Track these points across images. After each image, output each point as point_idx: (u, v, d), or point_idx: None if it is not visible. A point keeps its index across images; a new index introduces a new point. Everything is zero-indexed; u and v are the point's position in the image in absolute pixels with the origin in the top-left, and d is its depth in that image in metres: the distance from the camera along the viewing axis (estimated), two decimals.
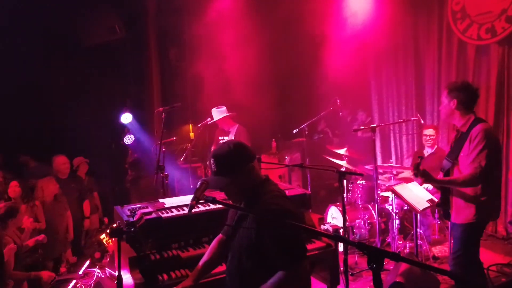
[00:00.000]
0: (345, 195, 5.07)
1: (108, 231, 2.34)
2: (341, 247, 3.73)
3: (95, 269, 4.86)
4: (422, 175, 3.00)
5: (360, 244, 1.27)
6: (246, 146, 2.03)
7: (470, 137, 2.99)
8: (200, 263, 2.21)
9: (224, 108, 5.21)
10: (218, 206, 2.90)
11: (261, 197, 1.95)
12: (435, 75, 5.94)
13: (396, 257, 1.22)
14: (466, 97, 3.07)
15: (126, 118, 6.07)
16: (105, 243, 5.52)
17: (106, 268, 4.72)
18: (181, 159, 5.75)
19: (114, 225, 2.36)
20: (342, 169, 3.44)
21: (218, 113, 5.16)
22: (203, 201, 1.82)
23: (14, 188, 4.74)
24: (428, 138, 5.03)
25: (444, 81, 5.82)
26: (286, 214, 1.85)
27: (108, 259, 5.00)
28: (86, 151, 6.25)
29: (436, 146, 5.07)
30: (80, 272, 4.78)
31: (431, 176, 3.04)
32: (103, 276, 4.41)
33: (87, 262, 5.02)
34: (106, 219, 6.18)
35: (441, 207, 3.29)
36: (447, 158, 3.17)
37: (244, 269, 1.96)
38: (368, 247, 1.24)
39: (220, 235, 2.29)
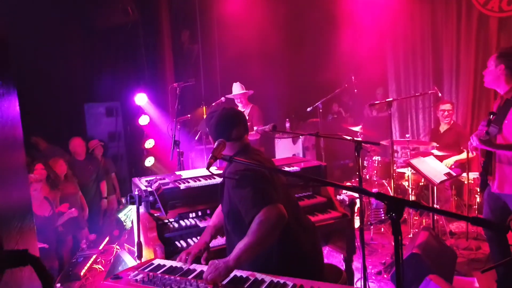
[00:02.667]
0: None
1: (127, 199, 2.37)
2: (357, 222, 3.73)
3: (114, 245, 4.98)
4: (481, 141, 2.90)
5: (379, 194, 1.26)
6: (232, 117, 2.15)
7: None
8: (209, 226, 2.30)
9: (242, 86, 5.24)
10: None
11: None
12: (454, 50, 5.80)
13: (416, 205, 1.22)
14: None
15: (141, 99, 6.11)
16: (123, 221, 5.65)
17: (125, 244, 4.84)
18: (196, 138, 5.79)
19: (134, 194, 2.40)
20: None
21: (238, 88, 5.18)
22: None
23: (40, 171, 4.85)
24: (446, 113, 4.95)
25: (463, 56, 5.69)
26: (245, 171, 1.94)
27: (126, 236, 5.11)
28: (102, 133, 6.35)
29: (452, 122, 4.99)
30: (100, 248, 4.91)
31: (489, 141, 2.93)
32: (122, 251, 4.51)
33: (106, 239, 5.16)
34: (123, 199, 6.29)
35: (483, 176, 3.13)
36: (493, 125, 3.04)
37: (227, 231, 2.12)
38: (387, 196, 1.23)
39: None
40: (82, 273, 4.21)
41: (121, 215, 5.72)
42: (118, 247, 4.87)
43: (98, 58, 6.58)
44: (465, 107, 5.68)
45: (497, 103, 3.13)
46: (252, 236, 1.81)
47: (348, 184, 5.07)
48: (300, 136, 6.80)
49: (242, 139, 2.17)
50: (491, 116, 2.95)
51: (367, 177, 5.09)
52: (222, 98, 5.45)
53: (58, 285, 3.88)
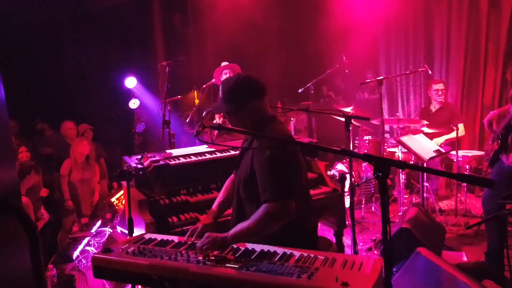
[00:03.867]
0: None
1: (117, 174, 2.36)
2: (347, 202, 3.77)
3: (106, 228, 4.99)
4: None
5: (366, 155, 1.27)
6: (256, 81, 2.03)
7: None
8: (216, 202, 2.28)
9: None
10: (226, 153, 2.94)
11: (263, 132, 1.99)
12: (445, 29, 5.81)
13: (402, 165, 1.23)
14: None
15: (131, 82, 6.05)
16: (115, 205, 5.64)
17: (117, 227, 4.84)
18: (187, 121, 5.76)
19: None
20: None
21: (226, 63, 5.12)
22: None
23: (23, 154, 4.84)
24: (440, 92, 4.97)
25: (454, 35, 5.71)
26: (277, 149, 1.88)
27: (119, 219, 5.12)
28: (92, 117, 6.28)
29: (443, 101, 5.02)
30: (93, 231, 4.91)
31: None
32: (115, 232, 4.52)
33: (99, 223, 5.16)
34: (115, 184, 6.28)
35: (501, 149, 3.07)
36: None
37: (240, 200, 2.08)
38: (374, 157, 1.24)
39: (233, 174, 2.34)
40: (74, 255, 4.22)
41: (113, 199, 5.71)
42: (110, 229, 4.88)
43: (89, 41, 6.49)
44: (456, 85, 5.72)
45: None
46: (255, 224, 1.85)
47: (340, 164, 5.11)
48: (292, 119, 6.82)
49: (264, 104, 2.06)
50: None
51: None
52: (213, 80, 5.40)
53: (51, 266, 3.88)
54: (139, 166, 2.57)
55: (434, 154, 3.80)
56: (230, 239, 1.85)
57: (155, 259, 1.82)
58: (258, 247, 1.88)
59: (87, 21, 6.40)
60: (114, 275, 1.94)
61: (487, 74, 5.45)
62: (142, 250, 1.92)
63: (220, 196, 2.32)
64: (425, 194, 4.33)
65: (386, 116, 6.69)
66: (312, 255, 1.76)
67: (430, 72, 4.74)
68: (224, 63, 5.32)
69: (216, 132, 5.52)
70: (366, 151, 5.01)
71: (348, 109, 5.19)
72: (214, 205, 2.27)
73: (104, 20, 6.54)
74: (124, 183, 2.37)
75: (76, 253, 4.28)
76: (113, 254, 1.92)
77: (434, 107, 5.08)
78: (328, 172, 2.95)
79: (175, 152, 3.01)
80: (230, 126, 2.05)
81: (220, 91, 2.04)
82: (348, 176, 2.87)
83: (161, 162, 2.72)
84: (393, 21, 6.64)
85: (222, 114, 5.12)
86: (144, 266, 1.79)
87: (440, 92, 4.94)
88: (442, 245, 3.51)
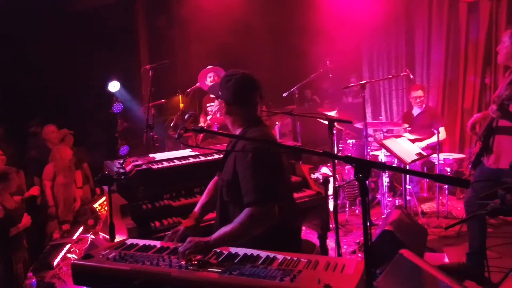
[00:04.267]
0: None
1: (98, 179, 2.32)
2: (331, 205, 3.79)
3: (88, 234, 4.90)
4: (502, 110, 2.81)
5: (347, 157, 1.28)
6: (254, 82, 2.07)
7: None
8: (199, 205, 2.27)
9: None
10: (210, 157, 2.92)
11: (247, 134, 2.00)
12: (425, 34, 5.93)
13: (382, 166, 1.24)
14: None
15: (114, 86, 5.98)
16: (98, 211, 5.55)
17: (100, 233, 4.76)
18: (171, 125, 5.72)
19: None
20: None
21: (205, 75, 5.10)
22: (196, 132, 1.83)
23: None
24: (418, 100, 5.08)
25: (434, 42, 5.82)
26: (260, 150, 1.89)
27: (101, 226, 5.04)
28: (75, 120, 6.18)
29: (424, 105, 5.12)
30: (74, 238, 4.82)
31: (509, 112, 2.84)
32: (97, 238, 4.44)
33: (81, 229, 5.06)
34: (98, 190, 6.17)
35: (483, 151, 3.10)
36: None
37: (223, 203, 2.06)
38: (355, 159, 1.25)
39: (216, 176, 2.33)
40: (55, 263, 4.13)
41: (96, 205, 5.62)
42: (93, 236, 4.79)
43: (70, 43, 6.39)
44: (436, 89, 5.83)
45: (509, 78, 3.04)
46: (238, 227, 1.84)
47: (325, 167, 5.13)
48: (277, 123, 6.84)
49: (257, 107, 2.10)
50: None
51: None
52: (198, 84, 5.38)
53: (30, 274, 3.78)
54: (121, 170, 2.53)
55: (416, 157, 3.86)
56: (213, 243, 1.83)
57: (137, 264, 1.79)
58: (241, 251, 1.87)
59: (71, 23, 6.30)
60: (94, 281, 1.89)
61: (467, 79, 5.58)
62: (124, 256, 1.89)
63: (202, 198, 2.30)
64: (407, 197, 4.39)
65: (370, 120, 6.78)
66: (295, 258, 1.76)
67: (411, 76, 4.82)
68: (209, 67, 5.31)
69: (201, 136, 5.50)
70: (350, 154, 5.06)
71: (332, 113, 5.24)
72: (196, 208, 2.26)
73: (88, 22, 6.45)
74: (105, 188, 2.33)
75: (56, 261, 4.18)
76: (94, 260, 1.88)
77: (415, 111, 5.17)
78: (312, 175, 2.97)
79: (158, 156, 2.98)
80: (214, 130, 2.05)
81: (224, 80, 2.05)
82: (331, 179, 2.88)
83: (144, 166, 2.69)
84: (375, 26, 6.74)
85: (205, 119, 5.11)
86: (126, 272, 1.75)
87: (418, 100, 5.05)
88: (424, 246, 3.55)
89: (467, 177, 4.24)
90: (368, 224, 1.20)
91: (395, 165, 4.81)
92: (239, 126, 2.07)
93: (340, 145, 5.25)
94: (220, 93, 2.06)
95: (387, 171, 4.60)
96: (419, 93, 5.05)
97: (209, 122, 4.98)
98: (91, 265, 1.84)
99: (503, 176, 2.93)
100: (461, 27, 5.49)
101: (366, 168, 1.21)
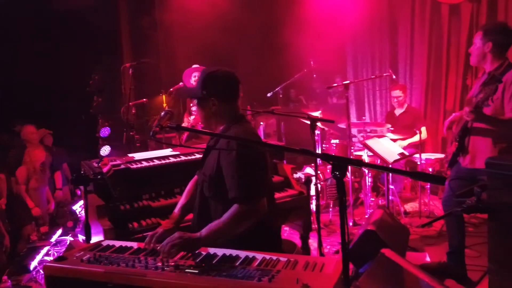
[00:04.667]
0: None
1: (73, 179, 2.25)
2: (313, 205, 3.78)
3: (67, 237, 4.78)
4: (476, 112, 2.80)
5: (324, 155, 1.26)
6: (232, 79, 2.06)
7: (505, 81, 2.83)
8: (178, 206, 2.22)
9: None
10: (191, 157, 2.87)
11: (232, 129, 1.98)
12: (408, 36, 5.99)
13: (359, 163, 1.22)
14: (503, 40, 2.90)
15: (95, 85, 5.85)
16: (77, 213, 5.42)
17: (79, 235, 4.66)
18: (154, 125, 5.62)
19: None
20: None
21: (197, 65, 5.05)
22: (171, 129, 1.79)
23: None
24: (395, 100, 5.14)
25: (417, 41, 5.89)
26: (244, 147, 1.88)
27: (81, 227, 4.92)
28: (55, 121, 6.04)
29: (406, 105, 5.17)
30: (52, 240, 4.70)
31: (483, 113, 2.84)
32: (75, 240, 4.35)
33: (59, 231, 4.94)
34: (78, 191, 6.05)
35: (459, 150, 3.10)
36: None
37: (204, 199, 2.03)
38: (332, 156, 1.22)
39: (195, 176, 2.29)
40: (32, 266, 4.02)
41: (76, 207, 5.50)
42: (71, 238, 4.68)
43: (50, 42, 6.24)
44: (419, 90, 5.90)
45: (482, 79, 3.07)
46: (228, 223, 1.84)
47: (309, 167, 5.13)
48: (262, 123, 6.82)
49: (238, 103, 2.09)
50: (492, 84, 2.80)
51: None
52: (181, 83, 5.32)
53: (5, 278, 3.67)
54: (98, 170, 2.46)
55: (398, 157, 3.88)
56: (204, 238, 1.81)
57: (111, 266, 1.74)
58: (220, 252, 1.83)
59: (51, 22, 6.16)
60: (67, 284, 1.82)
61: (449, 80, 5.65)
62: (98, 258, 1.83)
63: (182, 200, 2.25)
64: (390, 197, 4.41)
65: (354, 120, 6.81)
66: (274, 258, 1.73)
67: (394, 76, 4.85)
68: (195, 65, 5.26)
69: (185, 135, 5.43)
70: (333, 154, 5.06)
71: (316, 113, 5.24)
72: (176, 209, 2.21)
73: (69, 21, 6.32)
74: (81, 188, 2.27)
75: (33, 264, 4.07)
76: (67, 262, 1.82)
77: (397, 111, 5.21)
78: (294, 175, 2.95)
79: (138, 155, 2.92)
80: (200, 129, 2.02)
81: (201, 77, 2.03)
82: (314, 178, 2.87)
83: (122, 166, 2.63)
84: (359, 27, 6.79)
85: (190, 117, 5.05)
86: (99, 274, 1.70)
87: (395, 100, 5.09)
88: (406, 246, 3.57)
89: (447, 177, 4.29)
90: (345, 222, 1.18)
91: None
92: (222, 123, 2.05)
93: (324, 145, 5.25)
94: (202, 91, 2.02)
95: (370, 172, 4.62)
96: (397, 93, 5.10)
97: (192, 122, 4.92)
98: (64, 267, 1.78)
99: (479, 176, 2.96)
100: (443, 29, 5.56)
101: (343, 165, 1.19)
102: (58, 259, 1.87)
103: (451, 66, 5.50)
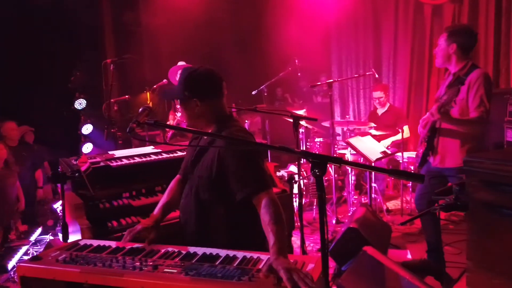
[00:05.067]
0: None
1: (50, 177, 2.20)
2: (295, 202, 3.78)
3: (47, 236, 4.69)
4: (441, 113, 2.87)
5: (304, 152, 1.24)
6: (215, 76, 1.97)
7: (469, 81, 2.88)
8: (160, 204, 2.14)
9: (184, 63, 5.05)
10: (173, 154, 2.84)
11: (227, 129, 1.91)
12: (392, 36, 6.05)
13: (339, 161, 1.21)
14: (467, 41, 2.94)
15: (76, 81, 5.75)
16: (58, 211, 5.32)
17: (59, 234, 4.56)
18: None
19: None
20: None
21: (183, 63, 4.98)
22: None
23: None
24: (377, 101, 5.19)
25: (400, 42, 5.95)
26: (253, 145, 1.87)
27: (61, 226, 4.82)
28: (36, 118, 5.91)
29: (388, 104, 5.22)
30: (32, 239, 4.60)
31: (448, 114, 2.91)
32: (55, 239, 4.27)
33: (39, 230, 4.84)
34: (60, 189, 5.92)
35: (428, 150, 3.16)
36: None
37: (201, 202, 1.93)
38: (312, 154, 1.21)
39: (178, 175, 2.22)
40: (10, 266, 3.92)
41: (57, 205, 5.39)
42: (51, 237, 4.60)
43: (32, 38, 6.09)
44: (402, 90, 5.96)
45: (447, 80, 3.13)
46: (278, 219, 1.70)
47: (293, 165, 5.14)
48: (246, 121, 6.80)
49: (224, 102, 2.01)
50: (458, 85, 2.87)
51: None
52: (164, 81, 5.26)
53: None
54: (76, 167, 2.40)
55: (381, 155, 3.92)
56: (284, 250, 1.62)
57: (88, 266, 1.69)
58: (200, 251, 1.81)
59: (32, 17, 6.01)
60: (42, 285, 1.78)
61: (431, 80, 5.72)
62: (75, 257, 1.79)
63: (163, 198, 2.18)
64: (373, 195, 4.45)
65: (339, 119, 6.85)
66: (255, 257, 1.72)
67: (377, 76, 4.89)
68: (181, 63, 5.18)
69: (170, 133, 5.36)
70: (317, 153, 5.08)
71: (301, 111, 5.25)
72: (157, 208, 2.14)
73: (51, 18, 6.17)
74: (59, 186, 2.21)
75: (11, 263, 3.98)
76: (41, 263, 1.77)
77: (380, 111, 5.26)
78: (277, 173, 2.94)
79: (118, 153, 2.87)
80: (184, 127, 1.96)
81: (181, 78, 1.94)
82: (296, 176, 2.86)
83: (102, 164, 2.58)
84: (344, 28, 6.84)
85: (177, 114, 4.99)
86: (75, 275, 1.66)
87: (377, 101, 5.16)
88: (388, 243, 3.60)
89: None
90: (325, 219, 1.17)
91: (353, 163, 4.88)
92: (211, 123, 1.97)
93: (308, 144, 5.26)
94: (184, 92, 1.93)
95: (353, 170, 4.65)
96: (378, 94, 5.15)
97: (179, 118, 4.86)
98: (38, 267, 1.73)
99: (449, 175, 3.05)
100: (426, 29, 5.63)
101: (322, 163, 1.18)
102: (33, 259, 1.82)
103: (433, 66, 5.57)
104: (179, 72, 4.98)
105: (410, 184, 4.81)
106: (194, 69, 1.96)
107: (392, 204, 5.04)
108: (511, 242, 1.15)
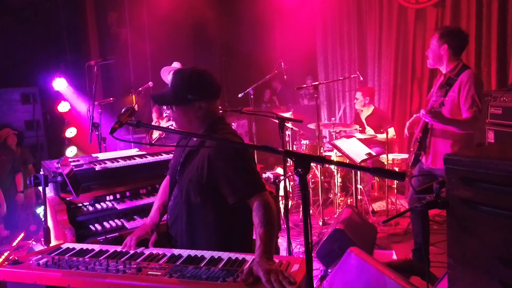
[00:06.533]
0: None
1: (31, 179, 2.16)
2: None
3: (30, 241, 4.59)
4: (433, 114, 2.92)
5: (287, 151, 1.25)
6: (211, 78, 1.92)
7: (460, 82, 2.93)
8: (155, 206, 2.12)
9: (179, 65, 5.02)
10: (158, 157, 2.81)
11: (216, 132, 1.90)
12: (376, 40, 6.12)
13: (321, 160, 1.22)
14: (458, 42, 3.01)
15: (59, 84, 5.67)
16: (41, 216, 5.22)
17: (41, 239, 4.47)
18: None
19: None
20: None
21: (177, 64, 4.95)
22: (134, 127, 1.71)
23: None
24: (355, 100, 5.28)
25: (384, 45, 6.03)
26: (242, 146, 1.85)
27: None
28: (19, 121, 5.81)
29: (373, 107, 5.27)
30: (14, 245, 4.50)
31: (441, 115, 2.94)
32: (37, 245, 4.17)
33: (21, 235, 4.73)
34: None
35: (420, 150, 3.19)
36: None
37: (191, 205, 1.90)
38: (294, 153, 1.22)
39: (167, 176, 2.18)
40: None
41: (39, 210, 5.29)
42: (34, 242, 4.50)
43: (12, 38, 5.98)
44: (387, 92, 6.03)
45: (439, 80, 3.17)
46: (268, 221, 1.68)
47: (280, 168, 5.14)
48: (233, 124, 6.79)
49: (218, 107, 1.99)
50: (446, 86, 2.94)
51: None
52: (150, 83, 5.24)
53: None
54: (58, 170, 2.36)
55: (366, 157, 3.95)
56: (269, 253, 1.60)
57: (70, 270, 1.67)
58: (185, 252, 1.80)
59: (9, 16, 5.89)
60: None
61: (415, 82, 5.81)
62: (57, 261, 1.75)
63: (157, 201, 2.13)
64: (359, 196, 4.49)
65: (326, 121, 6.91)
66: (240, 258, 1.71)
67: (361, 78, 4.95)
68: (175, 63, 5.11)
69: (155, 136, 5.33)
70: None
71: (287, 114, 5.28)
72: (153, 211, 2.10)
73: (28, 16, 6.07)
74: (41, 189, 2.17)
75: None
76: (22, 267, 1.74)
77: (365, 113, 5.32)
78: (263, 175, 2.94)
79: (102, 156, 2.83)
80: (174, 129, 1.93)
81: (171, 82, 1.88)
82: (282, 178, 2.87)
83: (85, 166, 2.54)
84: (330, 30, 6.90)
85: (162, 115, 4.97)
86: (57, 279, 1.63)
87: (355, 100, 5.25)
88: (373, 244, 3.63)
89: (410, 175, 4.41)
90: (308, 218, 1.17)
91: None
92: (203, 125, 1.93)
93: (294, 146, 5.28)
94: (187, 96, 1.86)
95: (339, 172, 4.68)
96: (357, 94, 5.23)
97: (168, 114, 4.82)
98: (19, 271, 1.70)
99: (440, 175, 3.05)
100: (409, 32, 5.72)
101: (305, 162, 1.19)
102: (13, 263, 1.77)
103: (417, 68, 5.66)
104: (170, 76, 4.95)
105: (395, 186, 4.86)
106: (193, 70, 1.90)
107: (378, 206, 5.09)
108: (488, 238, 1.17)
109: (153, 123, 5.11)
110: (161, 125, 4.96)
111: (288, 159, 1.48)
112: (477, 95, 2.90)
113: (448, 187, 1.25)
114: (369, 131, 5.03)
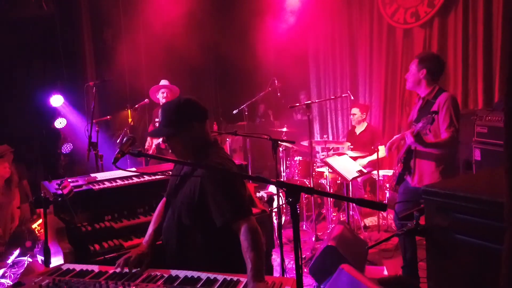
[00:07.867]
0: (283, 172, 5.24)
1: (33, 202, 2.23)
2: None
3: (25, 258, 4.61)
4: (415, 137, 3.01)
5: (278, 182, 1.34)
6: (198, 104, 2.05)
7: (438, 104, 3.09)
8: (150, 230, 2.17)
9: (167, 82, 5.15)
10: (154, 177, 2.89)
11: (208, 157, 1.98)
12: (367, 57, 6.29)
13: (310, 191, 1.31)
14: (435, 67, 3.18)
15: (57, 100, 5.74)
16: (37, 232, 5.24)
17: (38, 256, 4.50)
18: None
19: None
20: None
21: (165, 82, 5.08)
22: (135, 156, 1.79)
23: None
24: (351, 116, 5.42)
25: (375, 63, 6.19)
26: (231, 174, 1.93)
27: (39, 247, 4.76)
28: (15, 136, 5.84)
29: (366, 124, 5.40)
30: (9, 262, 4.51)
31: (422, 138, 3.06)
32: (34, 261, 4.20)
33: (17, 252, 4.75)
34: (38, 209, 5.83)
35: (405, 170, 3.32)
36: (415, 124, 3.21)
37: (182, 227, 1.99)
38: (286, 184, 1.31)
39: (164, 198, 2.26)
40: None
41: (35, 225, 5.31)
42: (30, 259, 4.52)
43: (8, 54, 6.06)
44: (378, 109, 6.18)
45: (418, 104, 3.34)
46: (256, 245, 1.76)
47: (273, 186, 5.22)
48: (228, 139, 6.90)
49: (209, 131, 2.09)
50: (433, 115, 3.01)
51: (290, 177, 5.30)
52: (146, 100, 5.33)
53: None
54: (59, 192, 2.43)
55: (357, 174, 4.06)
56: (259, 278, 1.68)
57: None
58: (182, 274, 1.87)
59: (6, 30, 5.96)
60: None
61: (405, 99, 5.97)
62: (58, 283, 1.82)
63: (153, 222, 2.19)
64: (351, 212, 4.58)
65: (318, 137, 7.03)
66: (235, 279, 1.79)
67: (352, 98, 5.10)
68: (163, 81, 5.26)
69: (152, 149, 5.40)
70: (297, 171, 5.20)
71: (282, 130, 5.41)
72: (148, 235, 2.15)
73: (26, 31, 6.15)
74: (41, 210, 2.24)
75: None
76: None
77: (358, 130, 5.45)
78: (257, 194, 3.02)
79: (100, 176, 2.90)
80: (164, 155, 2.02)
81: (160, 115, 2.01)
82: (275, 197, 2.96)
83: (84, 187, 2.61)
84: (322, 47, 7.08)
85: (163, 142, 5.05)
86: None
87: (351, 116, 5.42)
88: (365, 260, 3.71)
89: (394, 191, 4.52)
90: (299, 247, 1.26)
91: (339, 181, 5.02)
92: (198, 148, 2.02)
93: (287, 162, 5.38)
94: (164, 130, 1.99)
95: (332, 188, 4.78)
96: (354, 110, 5.39)
97: (159, 141, 4.92)
98: None
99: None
100: (398, 51, 5.89)
101: (296, 192, 1.28)
102: (15, 285, 1.83)
103: (405, 87, 5.82)
104: (162, 90, 5.06)
105: (386, 201, 4.96)
106: (179, 100, 2.04)
107: (369, 221, 5.18)
108: (463, 263, 1.27)
109: (147, 142, 5.21)
110: (154, 143, 5.04)
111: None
112: (454, 115, 3.06)
113: (427, 216, 1.35)
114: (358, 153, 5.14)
